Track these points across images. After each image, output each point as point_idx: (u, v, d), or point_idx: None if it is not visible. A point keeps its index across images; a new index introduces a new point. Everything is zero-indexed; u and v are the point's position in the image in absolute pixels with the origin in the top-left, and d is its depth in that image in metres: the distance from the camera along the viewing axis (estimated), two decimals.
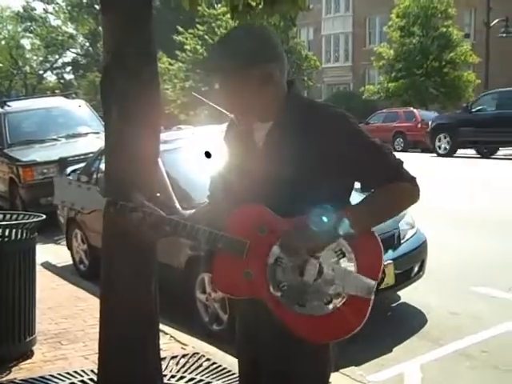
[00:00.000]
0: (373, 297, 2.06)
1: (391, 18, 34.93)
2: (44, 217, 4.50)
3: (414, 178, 2.13)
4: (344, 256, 2.06)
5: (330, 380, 2.27)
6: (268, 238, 2.09)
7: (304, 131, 2.07)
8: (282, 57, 2.14)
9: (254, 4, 4.15)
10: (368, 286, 2.04)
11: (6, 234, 4.33)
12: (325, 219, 1.99)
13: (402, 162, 2.14)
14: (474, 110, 20.31)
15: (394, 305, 5.82)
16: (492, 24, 28.25)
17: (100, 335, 3.53)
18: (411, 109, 28.26)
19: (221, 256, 2.16)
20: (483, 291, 6.06)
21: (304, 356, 2.12)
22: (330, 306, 2.05)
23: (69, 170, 8.56)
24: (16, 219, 4.60)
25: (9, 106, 12.44)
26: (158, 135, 3.41)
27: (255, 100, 2.10)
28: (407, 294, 5.79)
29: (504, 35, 29.54)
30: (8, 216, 4.73)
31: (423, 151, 24.81)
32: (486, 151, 20.41)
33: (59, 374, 4.24)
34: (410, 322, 5.45)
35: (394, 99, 34.02)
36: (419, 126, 26.09)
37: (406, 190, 2.12)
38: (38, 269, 7.37)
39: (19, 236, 4.38)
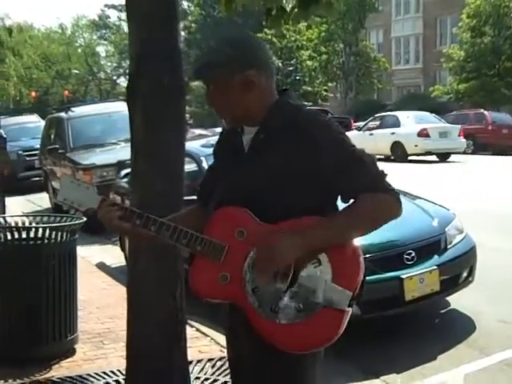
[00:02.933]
0: (348, 309, 2.00)
1: (462, 18, 34.13)
2: (85, 219, 4.59)
3: (394, 191, 2.08)
4: (320, 264, 2.01)
5: None
6: (246, 242, 2.07)
7: (287, 138, 2.07)
8: (265, 64, 2.14)
9: (288, 8, 4.10)
10: (343, 297, 1.99)
11: (47, 235, 4.43)
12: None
13: (385, 174, 2.09)
14: None
15: (442, 311, 5.65)
16: None
17: (127, 340, 3.56)
18: (481, 110, 27.50)
19: (199, 258, 2.15)
20: None
21: (278, 363, 2.08)
22: (303, 315, 2.01)
23: (123, 172, 8.70)
24: (59, 221, 4.71)
25: (72, 111, 12.81)
26: (182, 141, 3.42)
27: (239, 106, 2.12)
28: (457, 301, 5.62)
29: None
30: (52, 218, 4.84)
31: (494, 154, 24.13)
32: None
33: (96, 373, 4.31)
34: (457, 329, 5.27)
35: (464, 101, 33.21)
36: (490, 128, 25.38)
37: (385, 202, 2.06)
38: (93, 269, 7.63)
39: (59, 238, 4.48)
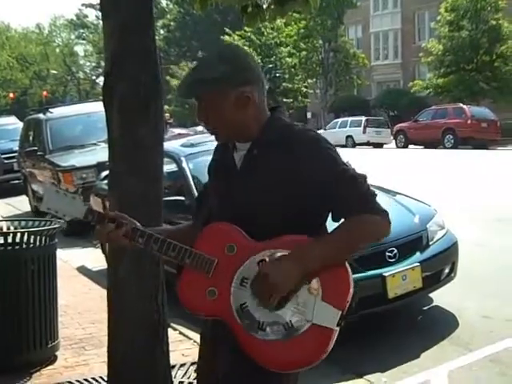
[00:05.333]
0: (337, 328, 1.97)
1: (440, 12, 34.30)
2: (63, 223, 4.52)
3: (385, 212, 2.06)
4: (309, 283, 1.98)
5: None
6: (236, 258, 2.04)
7: (279, 154, 2.05)
8: (258, 79, 2.11)
9: (264, 5, 4.06)
10: (332, 316, 1.96)
11: (25, 240, 4.36)
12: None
13: (375, 194, 2.07)
14: None
15: (425, 308, 5.66)
16: None
17: (108, 345, 3.51)
18: (460, 105, 27.71)
19: (187, 271, 2.12)
20: None
21: (258, 380, 2.05)
22: (291, 333, 1.97)
23: (103, 174, 8.62)
24: (38, 226, 4.64)
25: (51, 112, 12.67)
26: (160, 141, 3.38)
27: (232, 123, 2.09)
28: (439, 297, 5.62)
29: None
30: (30, 223, 4.77)
31: (474, 148, 24.31)
32: None
33: (77, 381, 4.26)
34: (440, 326, 5.28)
35: (443, 95, 33.38)
36: (469, 122, 25.58)
37: (374, 223, 2.03)
38: (73, 273, 7.55)
39: (39, 242, 4.42)
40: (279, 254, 1.99)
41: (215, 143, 2.32)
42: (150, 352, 3.40)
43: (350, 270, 2.02)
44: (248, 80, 2.07)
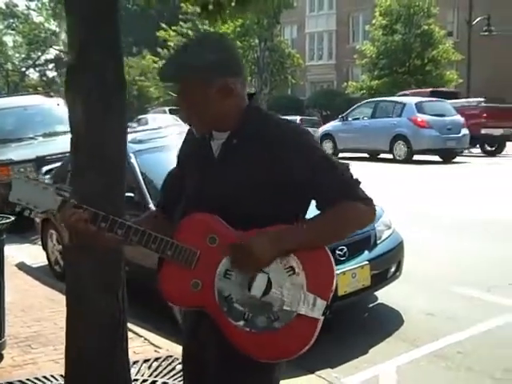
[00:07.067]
0: (322, 317, 2.00)
1: (375, 16, 35.00)
2: (12, 219, 4.40)
3: (369, 199, 2.09)
4: (294, 273, 2.00)
5: (305, 383, 2.23)
6: (218, 249, 2.04)
7: (259, 144, 2.04)
8: (241, 69, 2.11)
9: (225, 3, 4.06)
10: (317, 306, 1.99)
11: None
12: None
13: (359, 182, 2.10)
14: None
15: (370, 306, 5.78)
16: (474, 22, 28.31)
17: (67, 346, 3.43)
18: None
19: (169, 264, 2.09)
20: (461, 292, 6.05)
21: (247, 372, 2.07)
22: (277, 324, 2.00)
23: (44, 169, 8.43)
24: None
25: None
26: (124, 137, 3.34)
27: (213, 112, 2.06)
28: (385, 295, 5.75)
29: (486, 33, 29.62)
30: None
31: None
32: None
33: (27, 380, 4.15)
34: (386, 323, 5.41)
35: (377, 97, 34.03)
36: None
37: (358, 210, 2.06)
38: (13, 270, 7.34)
39: None
40: None
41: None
42: (110, 350, 3.35)
43: (333, 260, 2.04)
44: (233, 71, 2.06)
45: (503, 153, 21.81)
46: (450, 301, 5.83)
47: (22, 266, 7.67)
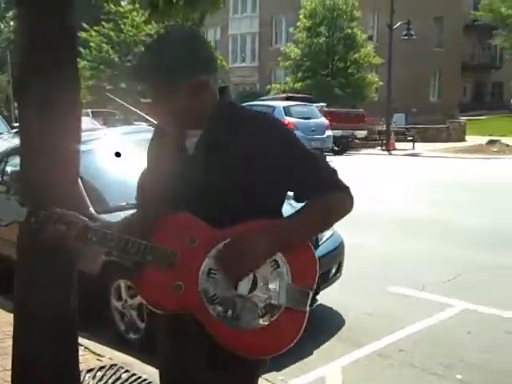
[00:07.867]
0: (308, 309, 2.00)
1: (299, 18, 35.38)
2: None
3: (347, 188, 2.10)
4: (278, 267, 1.99)
5: None
6: (199, 249, 1.99)
7: (236, 139, 2.00)
8: (215, 64, 2.06)
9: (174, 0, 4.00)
10: (303, 298, 1.99)
11: None
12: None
13: (336, 171, 2.10)
14: None
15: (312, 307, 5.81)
16: (395, 27, 29.02)
17: (14, 353, 3.30)
18: None
19: (150, 268, 2.03)
20: (398, 291, 6.21)
21: (235, 372, 2.05)
22: (265, 319, 1.98)
23: None
24: None
25: None
26: (78, 137, 3.24)
27: (186, 111, 2.00)
28: (325, 296, 5.80)
29: (406, 37, 30.43)
30: None
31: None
32: None
33: None
34: (328, 324, 5.46)
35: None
36: None
37: (339, 201, 2.08)
38: None
39: None
40: None
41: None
42: (62, 354, 3.26)
43: (314, 250, 2.04)
44: (205, 68, 2.01)
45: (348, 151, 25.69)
46: (387, 301, 5.97)
47: None
